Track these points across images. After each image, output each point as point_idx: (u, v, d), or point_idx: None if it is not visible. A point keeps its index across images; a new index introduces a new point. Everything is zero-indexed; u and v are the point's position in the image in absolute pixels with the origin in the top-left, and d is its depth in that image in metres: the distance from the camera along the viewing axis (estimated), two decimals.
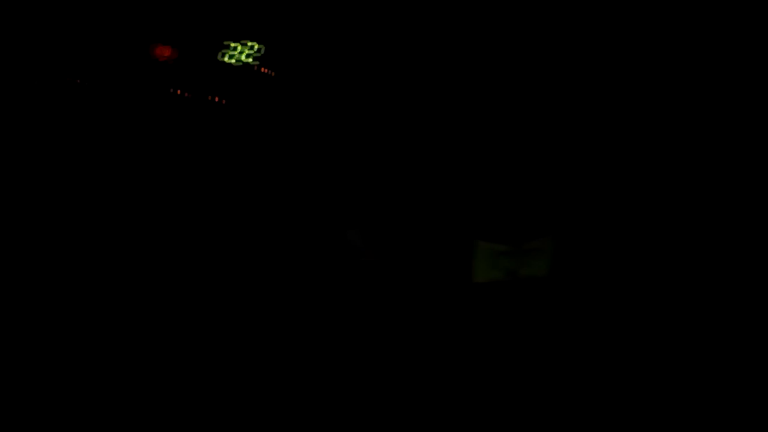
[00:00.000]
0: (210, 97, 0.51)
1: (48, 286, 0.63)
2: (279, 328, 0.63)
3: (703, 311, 0.54)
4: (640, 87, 0.53)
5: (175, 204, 0.58)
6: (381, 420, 0.58)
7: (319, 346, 0.60)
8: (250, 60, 0.53)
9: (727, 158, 0.54)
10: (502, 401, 0.57)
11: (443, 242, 0.57)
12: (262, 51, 0.53)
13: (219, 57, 0.52)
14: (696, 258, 0.54)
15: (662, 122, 0.54)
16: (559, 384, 0.57)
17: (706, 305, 0.54)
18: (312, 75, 0.52)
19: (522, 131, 0.53)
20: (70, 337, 0.65)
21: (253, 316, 0.64)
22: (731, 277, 0.54)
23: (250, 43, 0.53)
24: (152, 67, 0.52)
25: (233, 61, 0.52)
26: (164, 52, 0.52)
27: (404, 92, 0.52)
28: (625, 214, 0.54)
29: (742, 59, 0.54)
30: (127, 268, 0.61)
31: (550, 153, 0.53)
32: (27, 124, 0.51)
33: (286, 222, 0.57)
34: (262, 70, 0.52)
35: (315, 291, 0.62)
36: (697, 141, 0.54)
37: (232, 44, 0.53)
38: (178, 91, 0.51)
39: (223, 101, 0.51)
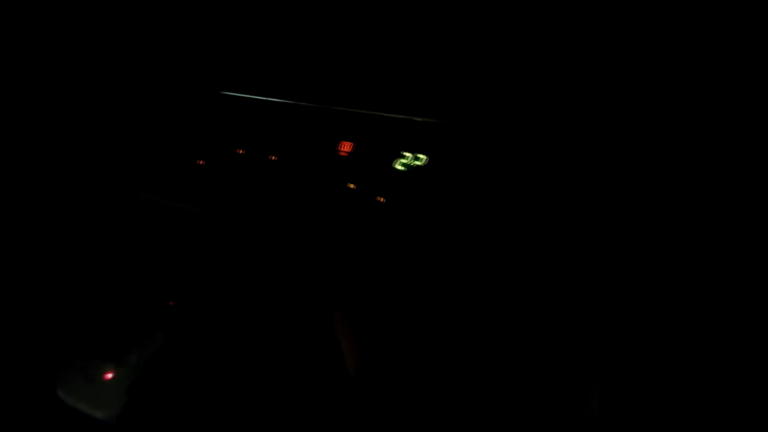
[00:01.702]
0: (374, 196, 0.58)
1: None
2: None
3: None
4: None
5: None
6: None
7: None
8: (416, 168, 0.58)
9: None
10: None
11: None
12: (426, 162, 0.58)
13: (392, 162, 0.58)
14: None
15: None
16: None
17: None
18: (465, 190, 0.57)
19: None
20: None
21: None
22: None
23: (420, 155, 0.59)
24: (334, 159, 0.60)
25: (402, 168, 0.58)
26: (345, 147, 0.60)
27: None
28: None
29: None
30: None
31: None
32: (229, 191, 0.60)
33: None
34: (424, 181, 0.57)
35: None
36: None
37: (406, 153, 0.59)
38: (351, 185, 0.58)
39: (382, 199, 0.58)
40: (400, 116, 0.59)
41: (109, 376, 0.73)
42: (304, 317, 0.69)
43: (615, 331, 0.51)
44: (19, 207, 0.78)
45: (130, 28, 0.65)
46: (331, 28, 0.58)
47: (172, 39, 0.62)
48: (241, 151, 0.59)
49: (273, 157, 0.59)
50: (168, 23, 0.62)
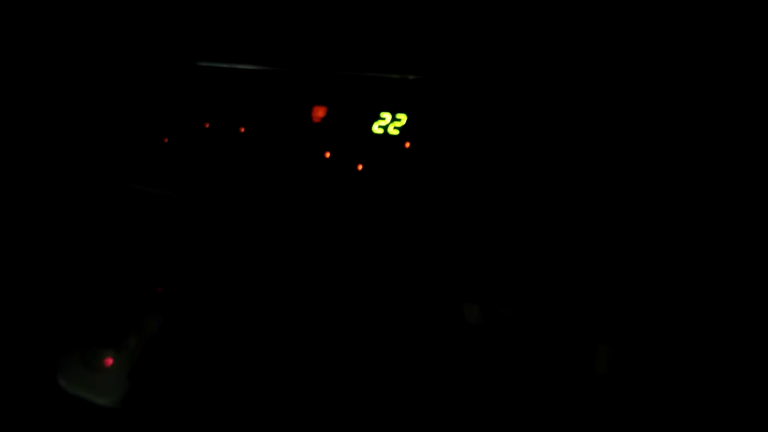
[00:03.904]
0: (350, 162, 0.53)
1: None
2: None
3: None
4: None
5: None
6: None
7: None
8: (397, 132, 0.53)
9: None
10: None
11: None
12: (405, 122, 0.53)
13: (370, 126, 0.54)
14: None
15: None
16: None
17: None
18: (449, 154, 0.52)
19: None
20: None
21: None
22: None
23: (399, 115, 0.54)
24: (307, 126, 0.55)
25: (380, 131, 0.54)
26: (319, 112, 0.55)
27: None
28: None
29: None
30: None
31: None
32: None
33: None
34: (406, 145, 0.53)
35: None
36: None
37: (382, 114, 0.54)
38: (327, 154, 0.54)
39: (360, 167, 0.53)
40: (375, 75, 0.54)
41: (109, 362, 0.73)
42: (293, 294, 0.67)
43: (625, 285, 0.48)
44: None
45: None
46: None
47: (126, 5, 0.58)
48: (207, 125, 0.55)
49: (242, 129, 0.55)
50: None
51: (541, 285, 0.50)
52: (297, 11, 0.53)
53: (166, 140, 0.55)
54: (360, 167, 0.52)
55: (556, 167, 0.47)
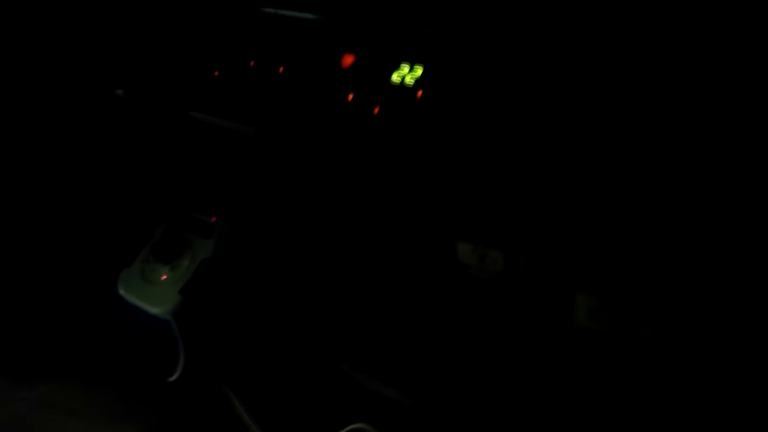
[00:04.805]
0: (368, 106, 0.60)
1: None
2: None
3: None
4: None
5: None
6: None
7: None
8: (412, 82, 0.59)
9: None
10: None
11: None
12: (422, 73, 0.59)
13: (390, 75, 0.60)
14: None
15: None
16: None
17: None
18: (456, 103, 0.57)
19: None
20: None
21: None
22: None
23: (417, 66, 0.59)
24: (336, 71, 0.62)
25: (398, 80, 0.59)
26: (348, 60, 0.62)
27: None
28: None
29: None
30: None
31: None
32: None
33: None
34: (418, 94, 0.58)
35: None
36: None
37: (403, 64, 0.60)
38: (350, 97, 0.61)
39: (376, 110, 0.60)
40: (401, 27, 0.59)
41: (164, 277, 0.82)
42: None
43: (606, 236, 0.51)
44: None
45: None
46: None
47: None
48: (252, 63, 0.63)
49: (281, 69, 0.62)
50: None
51: (532, 227, 0.55)
52: None
53: (217, 73, 0.63)
54: (376, 110, 0.59)
55: (551, 119, 0.51)
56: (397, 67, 0.59)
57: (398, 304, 0.75)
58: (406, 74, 0.58)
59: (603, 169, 0.49)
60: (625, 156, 0.48)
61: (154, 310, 0.79)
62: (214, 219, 0.86)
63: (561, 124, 0.51)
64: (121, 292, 0.82)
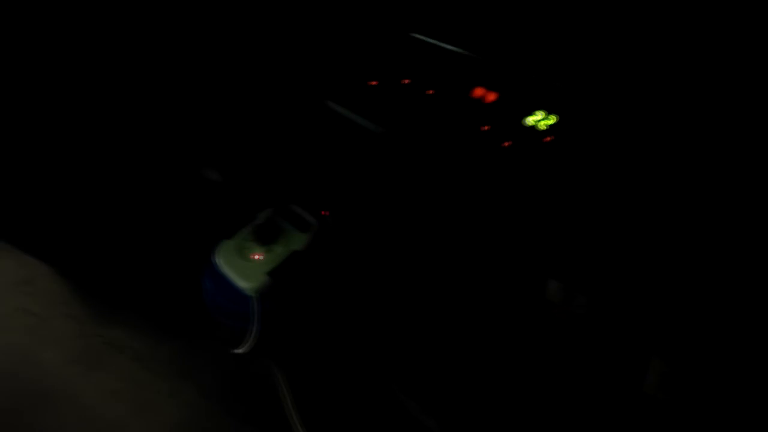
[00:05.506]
0: (499, 142, 0.67)
1: None
2: None
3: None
4: None
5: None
6: None
7: None
8: (544, 127, 0.66)
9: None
10: None
11: None
12: (556, 122, 0.66)
13: (525, 117, 0.67)
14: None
15: None
16: None
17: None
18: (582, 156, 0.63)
19: None
20: None
21: None
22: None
23: (552, 116, 0.67)
24: (478, 105, 0.70)
25: (532, 123, 0.67)
26: (488, 95, 0.70)
27: None
28: None
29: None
30: None
31: None
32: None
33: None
34: (546, 139, 0.65)
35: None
36: None
37: (538, 111, 0.67)
38: (485, 128, 0.69)
39: (506, 144, 0.67)
40: (543, 77, 0.67)
41: (257, 257, 0.88)
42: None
43: (679, 305, 0.55)
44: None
45: None
46: None
47: None
48: (406, 81, 0.72)
49: (430, 92, 0.71)
50: None
51: (629, 281, 0.59)
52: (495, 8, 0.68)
53: (375, 83, 0.73)
54: (506, 144, 0.66)
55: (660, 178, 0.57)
56: (531, 113, 0.66)
57: (471, 330, 0.79)
58: (540, 120, 0.65)
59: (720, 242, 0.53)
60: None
61: (242, 284, 0.85)
62: (324, 213, 0.93)
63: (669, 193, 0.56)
64: (217, 259, 0.88)
